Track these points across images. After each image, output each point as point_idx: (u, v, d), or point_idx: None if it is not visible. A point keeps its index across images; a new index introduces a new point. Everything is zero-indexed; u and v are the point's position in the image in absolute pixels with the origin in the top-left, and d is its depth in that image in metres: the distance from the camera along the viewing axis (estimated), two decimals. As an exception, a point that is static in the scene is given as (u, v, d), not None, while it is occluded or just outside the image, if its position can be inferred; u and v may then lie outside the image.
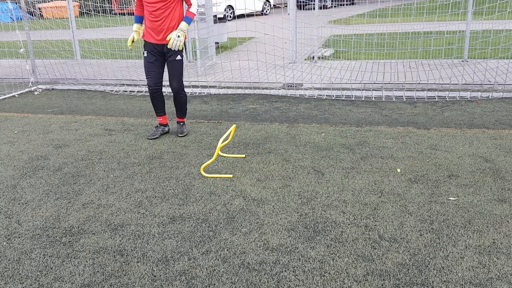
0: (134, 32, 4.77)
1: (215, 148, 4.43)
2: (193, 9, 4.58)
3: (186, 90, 7.19)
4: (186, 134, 4.98)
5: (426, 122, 5.12)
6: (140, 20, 4.78)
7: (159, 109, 4.95)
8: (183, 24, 4.54)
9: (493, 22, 8.99)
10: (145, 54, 4.69)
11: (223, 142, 3.96)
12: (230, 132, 4.10)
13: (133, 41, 4.76)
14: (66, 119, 5.84)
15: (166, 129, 5.06)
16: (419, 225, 3.01)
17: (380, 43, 9.51)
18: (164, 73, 4.84)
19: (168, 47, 4.52)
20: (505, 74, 6.99)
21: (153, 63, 4.68)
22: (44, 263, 2.78)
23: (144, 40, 4.70)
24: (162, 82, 4.81)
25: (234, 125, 4.12)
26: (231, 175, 3.87)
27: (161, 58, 4.70)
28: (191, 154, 4.42)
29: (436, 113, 5.49)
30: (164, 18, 4.52)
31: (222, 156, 4.32)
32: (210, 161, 3.96)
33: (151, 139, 4.87)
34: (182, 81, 4.78)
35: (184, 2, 4.67)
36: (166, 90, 7.24)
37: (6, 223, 3.26)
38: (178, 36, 4.48)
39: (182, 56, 4.68)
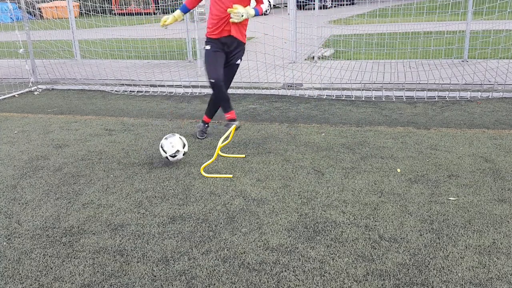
0: (172, 16, 4.45)
1: (215, 148, 4.43)
2: (263, 6, 4.43)
3: (186, 90, 7.20)
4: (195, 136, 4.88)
5: (426, 122, 5.12)
6: (186, 10, 4.50)
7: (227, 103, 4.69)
8: (251, 10, 4.30)
9: (493, 22, 8.99)
10: (208, 47, 4.39)
11: (223, 142, 3.96)
12: (230, 132, 4.10)
13: (165, 22, 4.44)
14: (66, 119, 5.84)
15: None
16: (419, 225, 3.01)
17: (380, 43, 9.51)
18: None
19: (228, 10, 4.19)
20: (505, 74, 6.99)
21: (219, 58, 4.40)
22: (44, 263, 2.78)
23: (210, 38, 4.41)
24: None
25: (234, 125, 4.12)
26: (231, 175, 3.87)
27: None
28: (191, 154, 4.42)
29: (436, 113, 5.49)
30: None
31: (222, 156, 4.32)
32: (210, 161, 3.97)
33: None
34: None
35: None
36: (166, 90, 7.25)
37: (6, 223, 3.26)
38: (242, 16, 4.21)
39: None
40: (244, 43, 4.52)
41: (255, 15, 4.36)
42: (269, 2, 20.57)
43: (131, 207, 3.42)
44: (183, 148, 4.08)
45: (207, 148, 4.57)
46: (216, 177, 3.87)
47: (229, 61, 4.48)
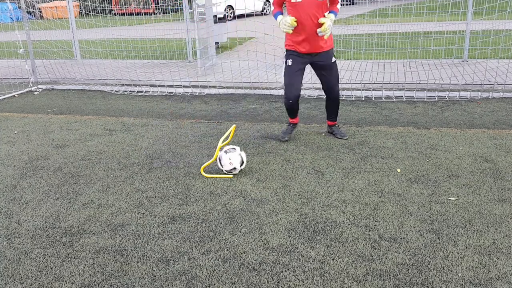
0: (288, 18, 4.15)
1: (215, 148, 4.42)
2: (339, 6, 4.28)
3: (186, 90, 7.20)
4: (346, 136, 4.67)
5: (426, 122, 5.12)
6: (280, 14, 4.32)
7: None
8: (332, 15, 4.19)
9: (493, 22, 9.00)
10: (290, 63, 4.32)
11: (223, 142, 3.95)
12: (230, 132, 4.10)
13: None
14: (66, 119, 5.84)
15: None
16: (419, 225, 3.01)
17: (380, 43, 9.51)
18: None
19: (321, 30, 4.09)
20: (505, 74, 6.99)
21: (297, 72, 4.33)
22: (44, 263, 2.78)
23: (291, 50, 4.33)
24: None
25: (234, 125, 4.11)
26: (231, 175, 3.87)
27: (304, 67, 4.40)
28: (191, 154, 4.42)
29: (436, 113, 5.49)
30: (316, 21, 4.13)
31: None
32: (210, 161, 3.96)
33: (284, 140, 4.64)
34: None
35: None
36: (166, 90, 7.24)
37: (6, 223, 3.26)
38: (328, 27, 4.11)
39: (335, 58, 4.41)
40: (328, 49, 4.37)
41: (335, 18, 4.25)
42: (269, 2, 20.59)
43: (131, 207, 3.42)
44: (241, 165, 3.88)
45: (207, 148, 4.57)
46: (216, 177, 3.86)
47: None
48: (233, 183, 3.74)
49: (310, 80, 7.16)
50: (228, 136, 4.08)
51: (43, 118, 5.96)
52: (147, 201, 3.51)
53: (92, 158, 4.42)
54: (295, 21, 4.12)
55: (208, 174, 3.93)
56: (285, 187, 3.64)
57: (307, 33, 4.17)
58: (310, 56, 4.31)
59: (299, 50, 4.29)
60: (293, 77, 4.33)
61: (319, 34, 4.13)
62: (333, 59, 4.40)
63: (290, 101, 4.41)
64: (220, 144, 3.90)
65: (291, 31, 4.18)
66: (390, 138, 4.62)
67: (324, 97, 6.34)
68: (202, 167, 3.96)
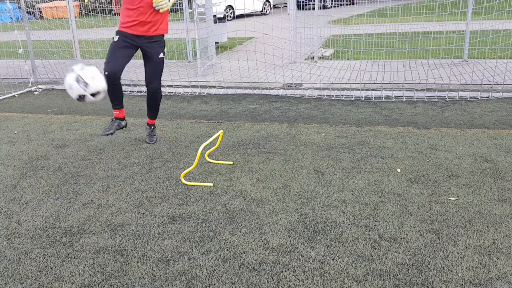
0: None
1: (215, 150, 4.42)
2: None
3: (186, 90, 7.20)
4: (156, 142, 4.74)
5: (426, 122, 5.13)
6: None
7: (118, 100, 4.47)
8: None
9: (493, 22, 9.00)
10: (116, 39, 4.27)
11: (206, 148, 3.81)
12: (217, 137, 3.97)
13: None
14: (66, 119, 5.84)
15: (123, 123, 4.65)
16: (419, 225, 3.01)
17: (380, 43, 9.51)
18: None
19: (154, 3, 4.14)
20: (504, 73, 6.99)
21: (121, 49, 4.28)
22: (44, 263, 2.78)
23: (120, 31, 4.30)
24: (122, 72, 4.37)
25: (222, 131, 4.03)
26: (211, 184, 3.73)
27: (133, 48, 4.38)
28: (191, 154, 4.42)
29: (436, 113, 5.50)
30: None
31: (210, 162, 4.19)
32: (191, 168, 3.83)
33: (105, 135, 4.52)
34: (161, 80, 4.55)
35: None
36: (166, 90, 7.24)
37: (6, 223, 3.26)
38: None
39: (164, 54, 4.33)
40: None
41: None
42: (269, 2, 20.61)
43: (131, 207, 3.42)
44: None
45: (207, 148, 4.56)
46: (196, 185, 3.73)
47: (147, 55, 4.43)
48: (233, 183, 3.74)
49: (310, 80, 7.16)
50: (213, 142, 3.97)
51: (43, 118, 5.96)
52: (147, 201, 3.51)
53: (92, 158, 4.42)
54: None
55: (189, 182, 3.77)
56: (285, 187, 3.64)
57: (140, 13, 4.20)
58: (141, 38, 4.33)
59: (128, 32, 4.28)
60: (114, 52, 4.30)
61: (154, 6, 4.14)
62: (161, 55, 4.46)
63: (106, 72, 4.21)
64: (200, 150, 3.68)
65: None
66: (390, 138, 4.62)
67: (324, 96, 6.31)
68: (182, 174, 3.83)
